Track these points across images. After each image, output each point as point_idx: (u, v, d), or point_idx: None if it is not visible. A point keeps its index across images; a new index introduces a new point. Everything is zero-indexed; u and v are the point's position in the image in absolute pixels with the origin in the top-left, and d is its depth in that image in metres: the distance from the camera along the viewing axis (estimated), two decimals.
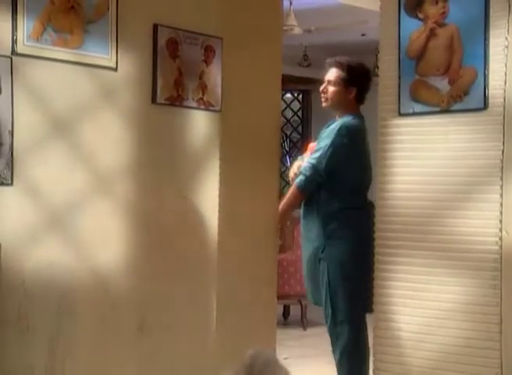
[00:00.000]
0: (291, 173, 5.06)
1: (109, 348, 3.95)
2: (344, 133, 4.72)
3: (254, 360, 1.73)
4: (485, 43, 3.29)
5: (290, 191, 4.96)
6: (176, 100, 4.26)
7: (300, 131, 11.20)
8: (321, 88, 4.94)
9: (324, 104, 4.98)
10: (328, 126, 4.94)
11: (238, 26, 4.59)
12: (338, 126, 4.74)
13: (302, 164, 4.91)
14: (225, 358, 3.95)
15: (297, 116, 11.11)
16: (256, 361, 1.73)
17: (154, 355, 4.14)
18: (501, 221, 3.28)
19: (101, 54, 3.84)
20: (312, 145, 5.03)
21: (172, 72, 4.21)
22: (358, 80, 4.85)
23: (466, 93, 3.40)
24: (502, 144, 3.29)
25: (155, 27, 4.11)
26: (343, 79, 4.82)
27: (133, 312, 4.10)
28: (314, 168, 4.75)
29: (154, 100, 4.14)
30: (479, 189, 3.36)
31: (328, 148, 4.72)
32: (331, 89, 4.87)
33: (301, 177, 4.83)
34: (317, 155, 4.78)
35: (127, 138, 4.05)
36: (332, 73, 4.88)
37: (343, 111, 4.87)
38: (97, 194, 3.89)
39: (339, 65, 4.87)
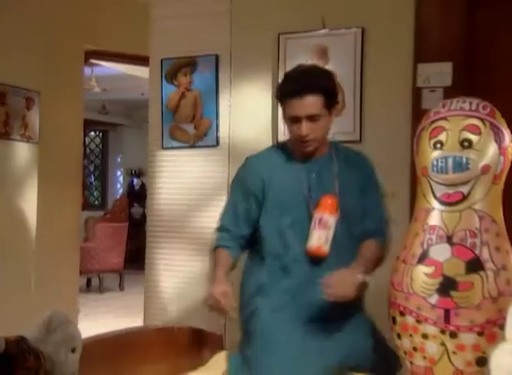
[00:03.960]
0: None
1: None
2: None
3: (51, 318, 1.67)
4: (216, 102, 3.35)
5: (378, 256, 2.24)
6: (4, 135, 4.10)
7: (101, 158, 11.02)
8: (304, 134, 2.17)
9: (309, 146, 2.21)
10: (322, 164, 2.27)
11: (52, 84, 4.46)
12: (363, 160, 2.37)
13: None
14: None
15: (98, 147, 10.99)
16: (52, 319, 1.67)
17: None
18: None
19: None
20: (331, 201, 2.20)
21: (1, 115, 4.06)
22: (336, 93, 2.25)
23: (205, 135, 3.43)
24: (228, 169, 3.33)
25: None
26: (326, 105, 2.19)
27: None
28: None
29: None
30: (213, 199, 3.39)
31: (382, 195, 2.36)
32: (317, 126, 2.19)
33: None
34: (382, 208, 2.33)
35: None
36: (314, 103, 2.16)
37: (326, 141, 2.31)
38: None
39: (320, 87, 2.17)
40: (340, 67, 3.06)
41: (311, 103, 2.17)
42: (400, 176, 2.93)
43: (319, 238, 2.16)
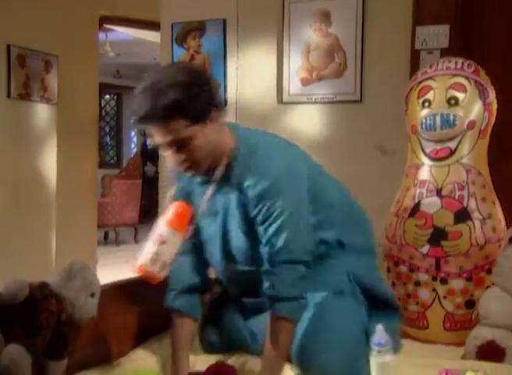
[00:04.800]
0: None
1: None
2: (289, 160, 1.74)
3: (71, 265, 1.72)
4: (224, 65, 3.33)
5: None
6: (25, 96, 4.12)
7: (115, 120, 11.00)
8: (175, 165, 1.66)
9: (193, 173, 1.69)
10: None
11: (69, 48, 4.47)
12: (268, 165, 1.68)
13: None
14: None
15: (113, 109, 10.99)
16: (73, 266, 1.72)
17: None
18: None
19: None
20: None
21: (21, 77, 4.07)
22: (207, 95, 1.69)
23: None
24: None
25: (8, 47, 3.97)
26: (192, 121, 1.58)
27: None
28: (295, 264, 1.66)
29: (8, 95, 4.00)
30: None
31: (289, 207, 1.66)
32: (192, 148, 1.60)
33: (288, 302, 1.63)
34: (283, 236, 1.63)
35: None
36: (173, 129, 1.57)
37: (224, 149, 1.69)
38: None
39: (172, 108, 1.54)
40: (342, 30, 3.06)
41: (168, 130, 1.57)
42: (399, 135, 2.95)
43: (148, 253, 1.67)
